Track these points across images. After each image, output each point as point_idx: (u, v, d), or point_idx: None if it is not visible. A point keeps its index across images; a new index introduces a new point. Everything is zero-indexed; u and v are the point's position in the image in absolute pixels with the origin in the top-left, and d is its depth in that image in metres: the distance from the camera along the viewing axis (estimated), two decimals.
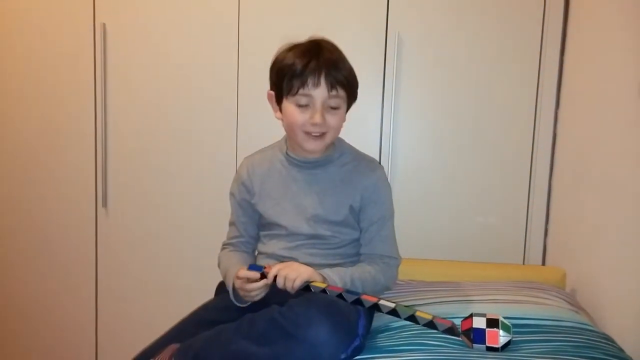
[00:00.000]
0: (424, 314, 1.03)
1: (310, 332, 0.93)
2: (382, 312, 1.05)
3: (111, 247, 1.82)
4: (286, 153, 1.27)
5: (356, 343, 0.99)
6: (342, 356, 0.96)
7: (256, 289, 1.09)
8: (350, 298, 1.04)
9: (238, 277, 1.11)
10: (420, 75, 1.65)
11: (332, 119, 1.16)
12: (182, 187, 1.76)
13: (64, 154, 1.80)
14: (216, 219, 1.72)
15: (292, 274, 1.05)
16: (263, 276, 1.09)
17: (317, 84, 1.12)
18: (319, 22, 1.63)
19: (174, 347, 1.05)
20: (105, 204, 1.79)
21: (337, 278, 1.10)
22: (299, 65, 1.13)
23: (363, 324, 1.04)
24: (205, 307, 1.23)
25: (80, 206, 1.81)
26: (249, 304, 1.15)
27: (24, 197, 1.85)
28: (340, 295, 1.04)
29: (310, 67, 1.12)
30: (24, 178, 1.84)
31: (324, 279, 1.09)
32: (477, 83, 1.63)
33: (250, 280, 1.10)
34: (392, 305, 1.03)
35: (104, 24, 1.72)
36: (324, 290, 1.05)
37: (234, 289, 1.16)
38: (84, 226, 1.82)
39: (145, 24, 1.72)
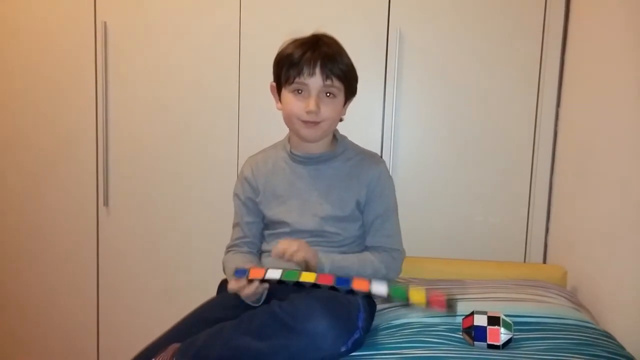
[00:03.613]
0: (418, 297, 0.98)
1: (309, 325, 0.94)
2: (376, 299, 1.03)
3: (112, 246, 1.82)
4: (290, 151, 1.28)
5: (356, 336, 0.99)
6: (343, 349, 0.96)
7: (251, 293, 1.08)
8: (343, 290, 1.01)
9: (233, 290, 1.10)
10: (422, 72, 1.65)
11: (326, 108, 1.18)
12: (184, 185, 1.77)
13: (65, 153, 1.81)
14: (218, 217, 1.73)
15: (294, 246, 1.09)
16: (250, 279, 1.07)
17: (312, 73, 1.16)
18: (320, 19, 1.63)
19: (175, 346, 1.05)
20: (106, 203, 1.80)
21: (327, 270, 1.13)
22: (296, 55, 1.17)
23: (363, 317, 1.05)
24: (207, 305, 1.23)
25: (82, 205, 1.81)
26: (262, 302, 1.15)
27: (25, 195, 1.85)
28: (332, 288, 1.02)
29: (306, 57, 1.16)
30: (25, 177, 1.84)
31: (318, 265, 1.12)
32: (478, 80, 1.63)
33: (243, 286, 1.09)
34: (385, 293, 0.99)
35: (105, 23, 1.72)
36: (315, 285, 1.02)
37: None
38: (85, 225, 1.82)
39: (147, 22, 1.72)
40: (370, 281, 1.00)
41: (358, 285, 1.00)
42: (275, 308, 0.99)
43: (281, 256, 1.09)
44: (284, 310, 0.97)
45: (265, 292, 1.15)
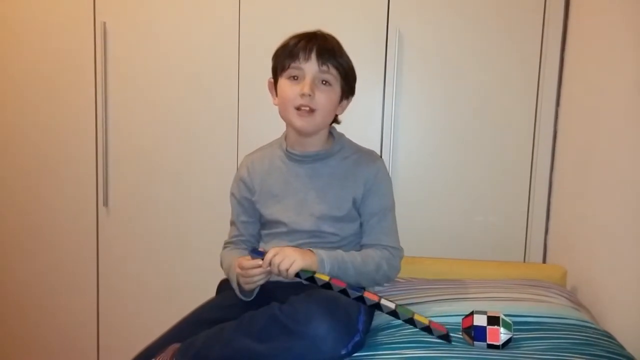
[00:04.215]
0: (421, 318, 1.05)
1: (310, 328, 0.93)
2: (383, 312, 1.06)
3: (112, 246, 1.82)
4: (286, 150, 1.28)
5: (357, 339, 0.99)
6: (343, 352, 0.96)
7: (256, 275, 1.09)
8: (353, 295, 1.04)
9: (242, 268, 1.11)
10: (421, 72, 1.65)
11: (321, 95, 1.18)
12: (183, 185, 1.77)
13: (64, 153, 1.80)
14: (217, 217, 1.72)
15: (286, 262, 1.06)
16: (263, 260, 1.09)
17: (308, 58, 1.16)
18: (320, 19, 1.62)
19: (175, 346, 1.05)
20: (106, 203, 1.80)
21: (328, 265, 1.11)
22: (291, 44, 1.19)
23: (363, 320, 1.05)
24: (206, 306, 1.23)
25: (82, 205, 1.81)
26: (254, 296, 1.16)
27: (24, 196, 1.85)
28: (343, 291, 1.04)
29: (302, 44, 1.17)
30: (25, 177, 1.84)
31: (319, 263, 1.11)
32: (478, 80, 1.63)
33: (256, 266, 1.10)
34: (393, 306, 1.04)
35: (105, 23, 1.72)
36: (327, 284, 1.05)
37: (238, 282, 1.16)
38: (85, 225, 1.82)
39: (146, 22, 1.72)
40: (380, 298, 1.05)
41: (368, 294, 1.05)
42: (275, 310, 0.98)
43: (275, 272, 1.07)
44: (284, 313, 0.97)
45: (258, 288, 1.16)
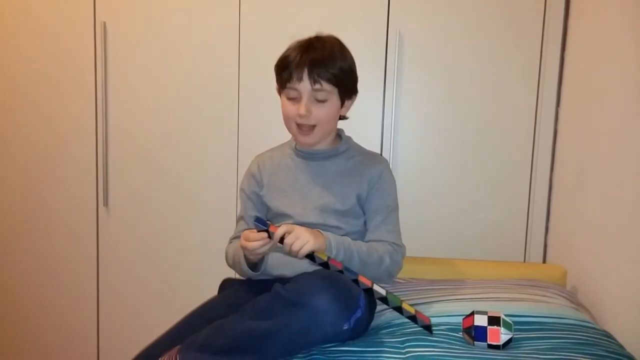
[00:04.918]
0: (408, 307, 1.07)
1: (312, 301, 0.94)
2: (375, 297, 1.08)
3: (112, 247, 1.82)
4: (294, 147, 1.32)
5: (358, 314, 1.00)
6: (345, 326, 0.97)
7: (259, 246, 1.11)
8: (349, 276, 1.06)
9: (246, 240, 1.12)
10: (421, 73, 1.65)
11: (319, 111, 1.22)
12: (183, 186, 1.77)
13: (64, 153, 1.80)
14: (218, 217, 1.73)
15: (298, 244, 1.07)
16: (267, 232, 1.10)
17: (300, 78, 1.19)
18: (320, 20, 1.63)
19: (178, 348, 1.05)
20: (106, 203, 1.79)
21: (335, 249, 1.13)
22: (288, 59, 1.21)
23: (364, 302, 1.05)
24: (208, 304, 1.23)
25: (82, 205, 1.81)
26: (260, 271, 1.20)
27: (25, 196, 1.85)
28: (340, 272, 1.07)
29: (295, 61, 1.19)
30: (25, 177, 1.84)
31: (326, 246, 1.12)
32: (478, 81, 1.64)
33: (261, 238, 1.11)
34: (384, 292, 1.06)
35: (105, 23, 1.72)
36: (325, 263, 1.07)
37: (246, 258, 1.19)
38: (85, 225, 1.82)
39: (146, 22, 1.72)
40: (372, 284, 1.07)
41: (363, 278, 1.07)
42: (278, 289, 1.00)
43: (286, 251, 1.09)
44: (287, 290, 0.98)
45: (267, 258, 1.19)
